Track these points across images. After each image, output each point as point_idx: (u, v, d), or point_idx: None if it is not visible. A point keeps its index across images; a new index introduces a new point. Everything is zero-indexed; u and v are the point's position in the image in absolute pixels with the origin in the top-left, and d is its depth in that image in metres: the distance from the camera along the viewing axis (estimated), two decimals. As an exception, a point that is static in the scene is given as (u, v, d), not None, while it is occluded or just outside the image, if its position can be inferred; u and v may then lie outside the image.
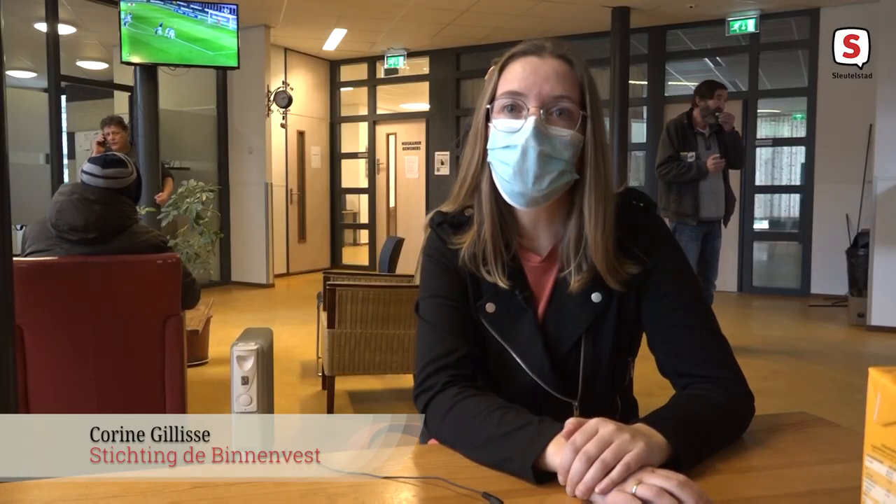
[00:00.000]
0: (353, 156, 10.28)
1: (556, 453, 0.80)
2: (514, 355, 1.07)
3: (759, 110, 7.54)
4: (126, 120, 5.68)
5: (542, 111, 0.99)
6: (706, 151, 4.56)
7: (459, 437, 0.93)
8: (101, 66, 8.56)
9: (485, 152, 1.06)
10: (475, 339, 1.07)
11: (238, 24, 6.54)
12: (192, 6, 6.35)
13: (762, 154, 7.77)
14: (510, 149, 1.00)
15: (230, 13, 6.49)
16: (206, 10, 6.37)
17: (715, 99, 4.52)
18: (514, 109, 1.01)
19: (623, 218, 1.06)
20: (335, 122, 9.81)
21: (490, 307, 1.07)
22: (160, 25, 6.24)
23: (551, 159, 1.00)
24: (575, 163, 1.02)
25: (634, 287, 1.06)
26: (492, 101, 1.05)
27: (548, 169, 1.00)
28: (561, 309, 1.07)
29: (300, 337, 5.29)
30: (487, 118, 1.06)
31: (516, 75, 1.02)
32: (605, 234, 1.02)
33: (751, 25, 7.10)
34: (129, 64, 6.27)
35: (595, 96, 1.03)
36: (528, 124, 0.99)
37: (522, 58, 1.04)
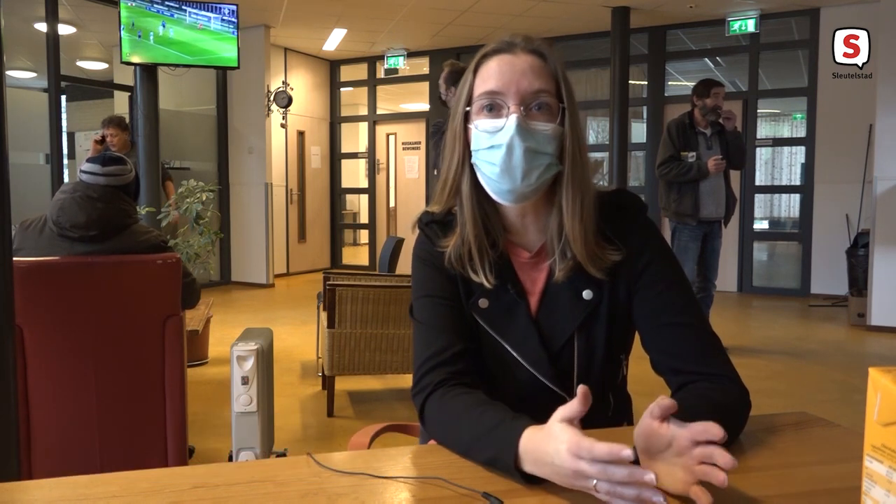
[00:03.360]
0: (353, 156, 10.29)
1: (528, 461, 0.80)
2: (510, 349, 1.07)
3: (759, 110, 7.54)
4: (127, 120, 5.67)
5: (521, 108, 1.00)
6: (707, 151, 4.56)
7: (449, 437, 0.94)
8: (101, 66, 8.56)
9: (465, 154, 1.06)
10: (470, 338, 1.07)
11: (238, 24, 6.54)
12: (168, 5, 6.33)
13: (762, 154, 7.77)
14: (495, 148, 1.01)
15: (229, 14, 6.48)
16: (182, 7, 6.34)
17: (712, 97, 4.52)
18: (494, 109, 1.02)
19: (612, 217, 1.07)
20: (335, 122, 9.81)
21: (483, 303, 1.08)
22: (162, 25, 6.24)
23: (537, 154, 1.00)
24: (558, 155, 1.03)
25: (624, 281, 1.07)
26: (469, 102, 1.05)
27: (535, 164, 1.00)
28: (553, 305, 1.08)
29: (300, 337, 5.29)
30: (466, 120, 1.06)
31: (492, 74, 1.03)
32: (583, 223, 1.03)
33: (751, 25, 7.11)
34: (128, 64, 6.27)
35: (570, 88, 1.04)
36: (510, 122, 0.99)
37: (496, 56, 1.04)
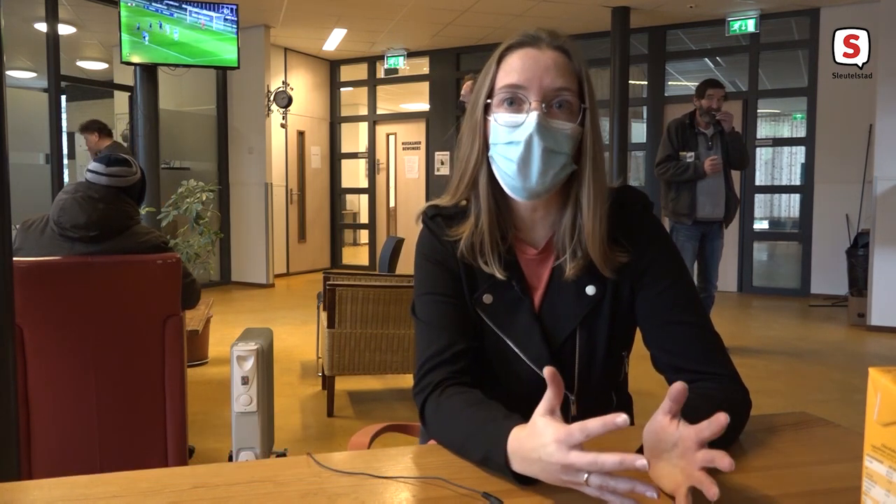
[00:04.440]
0: (353, 156, 10.29)
1: (517, 460, 0.79)
2: (512, 345, 1.07)
3: (759, 110, 7.54)
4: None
5: (543, 105, 0.99)
6: (707, 151, 4.56)
7: (446, 436, 0.94)
8: (101, 66, 8.56)
9: (484, 146, 1.05)
10: (473, 334, 1.07)
11: (238, 24, 6.54)
12: (168, 5, 6.33)
13: (762, 154, 7.77)
14: (513, 144, 1.00)
15: (229, 14, 6.48)
16: (183, 7, 6.34)
17: (706, 98, 4.53)
18: (515, 103, 1.01)
19: (618, 214, 1.07)
20: (335, 122, 9.81)
21: (487, 298, 1.07)
22: (160, 25, 6.24)
23: (554, 154, 1.00)
24: (574, 154, 1.02)
25: (628, 278, 1.06)
26: (490, 94, 1.04)
27: (551, 163, 1.00)
28: (556, 300, 1.07)
29: (300, 337, 5.29)
30: (486, 111, 1.05)
31: (515, 68, 1.01)
32: (601, 223, 1.03)
33: (751, 25, 7.10)
34: (128, 64, 6.27)
35: (591, 88, 1.03)
36: (530, 119, 0.98)
37: (520, 49, 1.03)
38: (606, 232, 1.04)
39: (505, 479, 0.81)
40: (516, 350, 1.07)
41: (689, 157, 4.54)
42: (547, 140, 0.99)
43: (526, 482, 0.80)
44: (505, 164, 1.02)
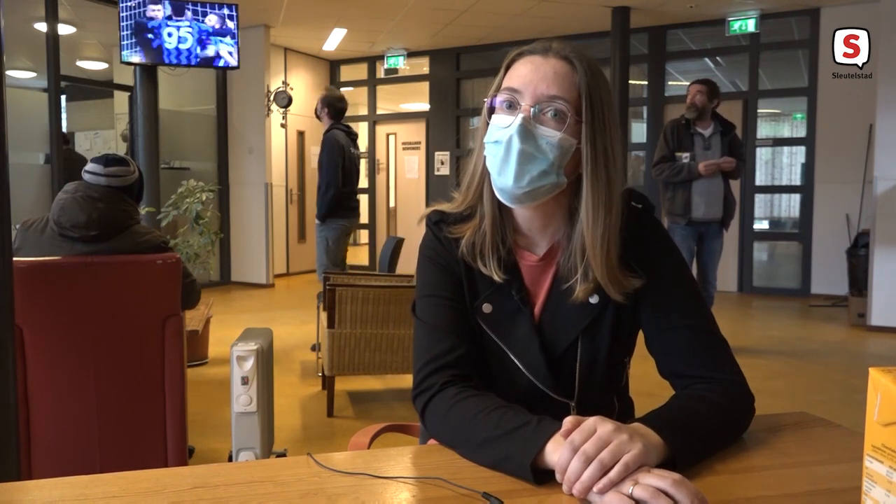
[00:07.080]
0: (353, 156, 10.27)
1: (555, 451, 0.80)
2: (511, 355, 1.06)
3: (759, 110, 7.54)
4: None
5: (532, 109, 0.99)
6: (704, 152, 4.56)
7: (459, 437, 0.93)
8: (101, 65, 8.55)
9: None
10: (472, 340, 1.07)
11: (238, 24, 6.53)
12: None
13: (762, 154, 7.76)
14: (497, 143, 1.01)
15: (229, 14, 6.47)
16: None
17: (688, 95, 4.60)
18: (511, 106, 1.02)
19: (624, 223, 1.04)
20: (335, 122, 9.79)
21: (487, 308, 1.07)
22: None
23: (533, 158, 0.99)
24: (564, 166, 1.01)
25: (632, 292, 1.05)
26: (496, 96, 1.05)
27: (528, 168, 0.99)
28: (558, 310, 1.07)
29: (300, 337, 5.29)
30: (492, 112, 1.06)
31: (518, 73, 1.03)
32: (605, 243, 1.01)
33: (751, 25, 7.11)
34: (128, 64, 6.26)
35: (598, 102, 1.01)
36: (516, 121, 0.99)
37: (528, 56, 1.04)
38: (618, 252, 1.02)
39: (519, 477, 0.82)
40: (514, 360, 1.06)
41: (685, 157, 4.54)
42: (527, 143, 0.98)
43: (544, 481, 0.80)
44: (490, 163, 1.03)
